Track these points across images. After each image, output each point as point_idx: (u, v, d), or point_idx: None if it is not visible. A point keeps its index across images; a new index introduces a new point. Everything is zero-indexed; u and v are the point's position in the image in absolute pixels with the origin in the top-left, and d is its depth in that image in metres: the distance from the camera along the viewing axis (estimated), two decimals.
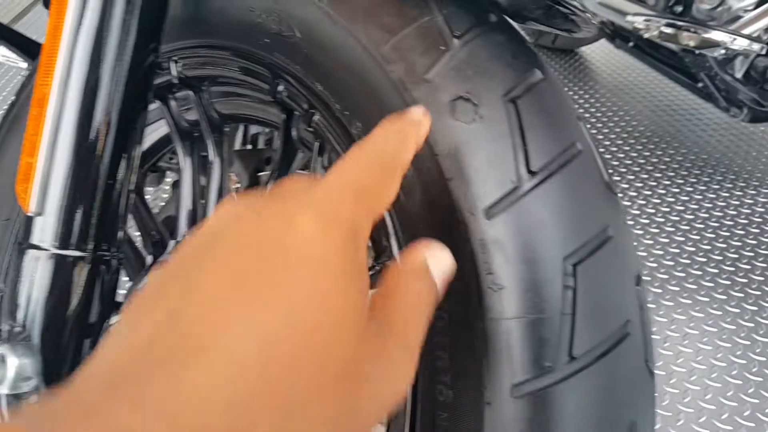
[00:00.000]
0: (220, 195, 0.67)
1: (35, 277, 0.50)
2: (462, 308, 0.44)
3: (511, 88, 0.43)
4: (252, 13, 0.53)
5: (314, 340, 0.26)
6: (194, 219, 0.70)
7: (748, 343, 1.39)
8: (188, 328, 0.25)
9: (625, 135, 2.24)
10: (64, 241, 0.50)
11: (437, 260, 0.35)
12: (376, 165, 0.33)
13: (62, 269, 0.50)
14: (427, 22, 0.45)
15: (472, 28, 0.45)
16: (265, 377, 0.24)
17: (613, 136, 2.23)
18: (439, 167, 0.44)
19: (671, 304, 1.49)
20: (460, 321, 0.44)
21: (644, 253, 1.65)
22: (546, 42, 2.91)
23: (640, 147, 2.17)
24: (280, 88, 0.55)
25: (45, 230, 0.50)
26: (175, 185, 0.94)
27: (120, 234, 0.55)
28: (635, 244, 1.67)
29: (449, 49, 0.45)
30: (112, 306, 0.54)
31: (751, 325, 1.43)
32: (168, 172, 1.01)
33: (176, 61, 0.63)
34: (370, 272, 0.49)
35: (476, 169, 0.42)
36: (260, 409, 0.24)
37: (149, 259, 0.73)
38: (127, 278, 0.74)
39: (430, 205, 0.45)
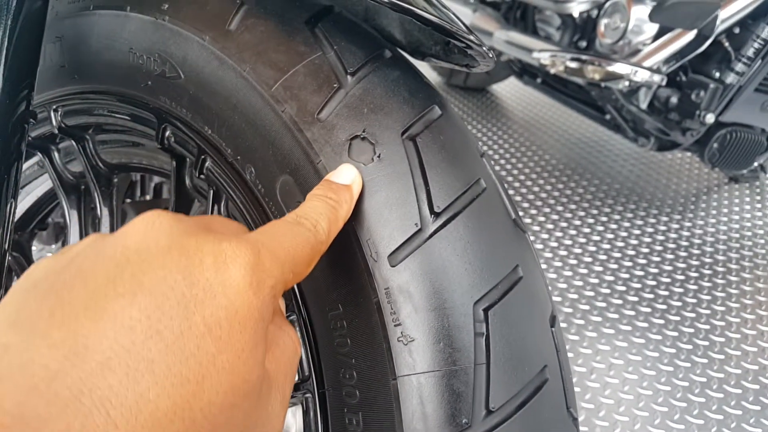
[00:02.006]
0: None
1: None
2: (371, 365, 0.40)
3: (410, 125, 0.41)
4: (132, 54, 0.49)
5: (221, 394, 0.26)
6: None
7: (671, 369, 1.40)
8: (92, 366, 0.23)
9: (539, 169, 2.28)
10: None
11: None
12: (307, 243, 0.34)
13: None
14: (319, 59, 0.43)
15: (366, 63, 0.43)
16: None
17: (527, 170, 2.27)
18: None
19: (594, 335, 1.49)
20: (369, 379, 0.40)
21: (564, 285, 1.66)
22: (458, 81, 2.98)
23: (553, 180, 2.21)
24: (168, 133, 0.51)
25: None
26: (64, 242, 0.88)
27: None
28: (555, 277, 1.68)
29: (343, 86, 0.42)
30: None
31: (673, 351, 1.45)
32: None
33: (56, 110, 0.58)
34: None
35: (377, 212, 0.40)
36: None
37: None
38: None
39: (331, 253, 0.42)
